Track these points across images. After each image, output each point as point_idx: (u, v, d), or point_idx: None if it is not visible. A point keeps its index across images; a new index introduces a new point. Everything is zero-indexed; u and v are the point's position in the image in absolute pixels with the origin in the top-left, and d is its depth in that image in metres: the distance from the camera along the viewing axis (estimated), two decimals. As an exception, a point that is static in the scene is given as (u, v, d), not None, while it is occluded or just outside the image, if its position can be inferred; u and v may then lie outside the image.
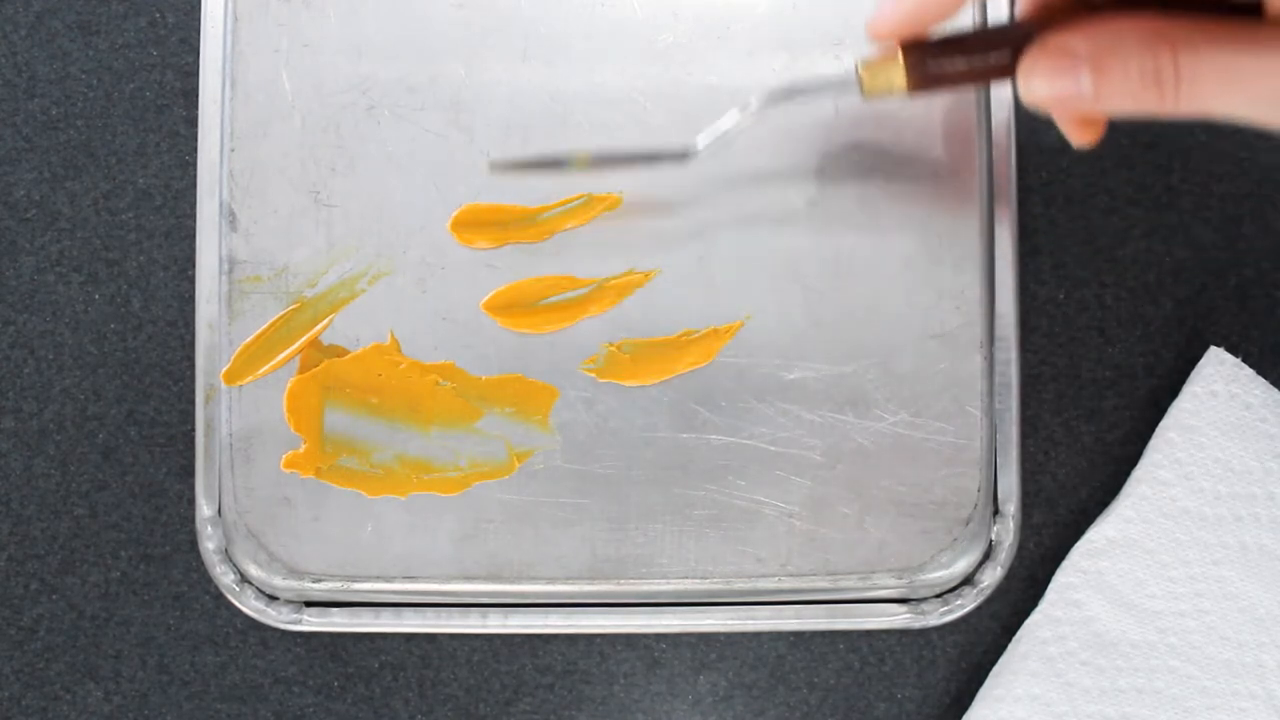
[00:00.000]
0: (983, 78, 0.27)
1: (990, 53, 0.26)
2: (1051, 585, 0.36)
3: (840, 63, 0.34)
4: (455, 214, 0.34)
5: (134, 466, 0.38)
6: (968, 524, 0.34)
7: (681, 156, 0.32)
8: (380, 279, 0.34)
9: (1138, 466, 0.36)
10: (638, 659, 0.38)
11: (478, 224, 0.34)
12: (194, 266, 0.36)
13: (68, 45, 0.38)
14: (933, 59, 0.27)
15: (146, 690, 0.38)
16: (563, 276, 0.34)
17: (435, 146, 0.34)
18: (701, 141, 0.32)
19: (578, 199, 0.34)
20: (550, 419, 0.35)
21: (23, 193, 0.38)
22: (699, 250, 0.34)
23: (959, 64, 0.27)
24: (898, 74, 0.27)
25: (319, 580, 0.35)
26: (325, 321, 0.35)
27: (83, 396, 0.38)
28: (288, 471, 0.35)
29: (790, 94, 0.30)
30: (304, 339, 0.34)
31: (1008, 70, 0.26)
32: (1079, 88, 0.25)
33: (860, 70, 0.28)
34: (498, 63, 0.34)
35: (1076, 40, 0.25)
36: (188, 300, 0.37)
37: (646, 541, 0.35)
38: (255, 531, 0.35)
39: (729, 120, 0.31)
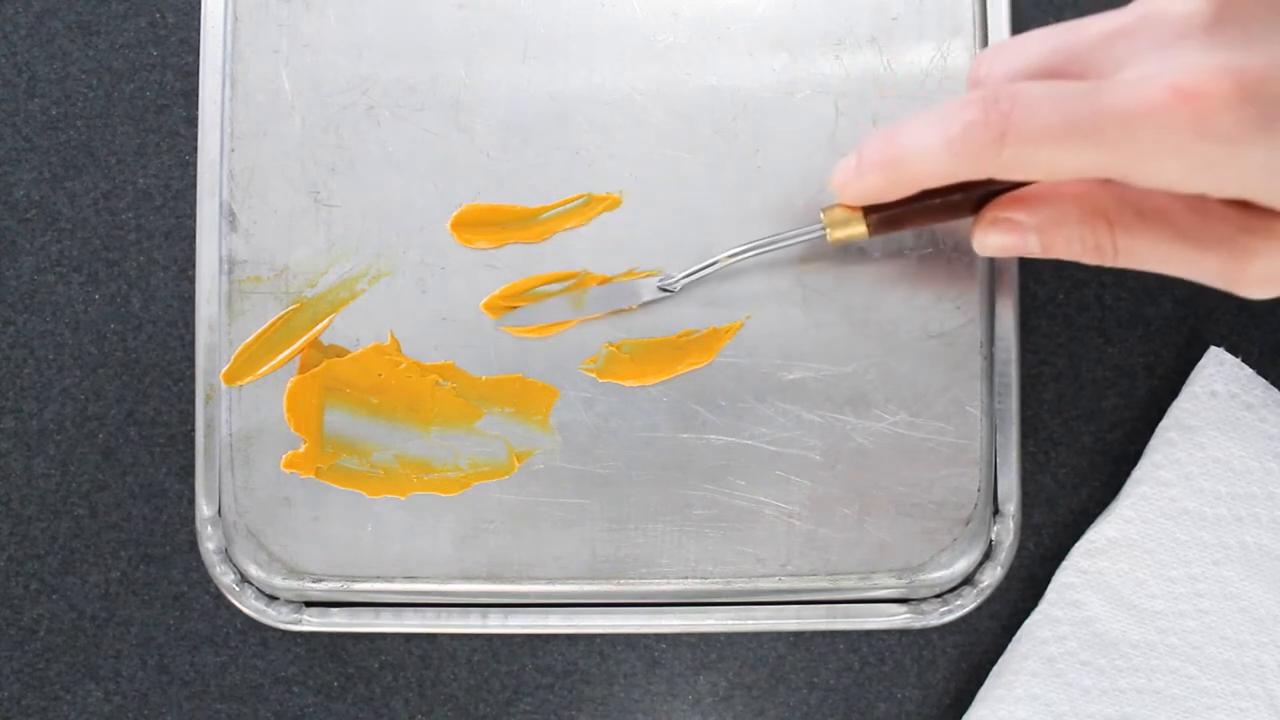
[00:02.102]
0: (940, 220, 0.30)
1: (945, 208, 0.29)
2: (1051, 585, 0.36)
3: (840, 63, 0.34)
4: (455, 214, 0.34)
5: (134, 466, 0.38)
6: (968, 524, 0.34)
7: (665, 293, 0.34)
8: (380, 279, 0.34)
9: (1138, 466, 0.36)
10: (638, 659, 0.38)
11: (478, 224, 0.34)
12: (194, 266, 0.36)
13: (68, 45, 0.38)
14: (891, 212, 0.29)
15: (146, 690, 0.38)
16: (563, 272, 0.34)
17: (435, 146, 0.34)
18: (680, 282, 0.33)
19: (578, 199, 0.34)
20: (550, 419, 0.35)
21: (23, 193, 0.38)
22: (699, 250, 0.34)
23: (916, 215, 0.29)
24: (859, 226, 0.30)
25: (319, 580, 0.35)
26: (325, 321, 0.35)
27: (83, 396, 0.38)
28: (288, 471, 0.35)
29: (768, 245, 0.32)
30: (304, 339, 0.34)
31: (964, 214, 0.29)
32: (1027, 249, 0.28)
33: (824, 222, 0.30)
34: (498, 63, 0.34)
35: (1023, 214, 0.27)
36: (188, 300, 0.37)
37: (646, 541, 0.35)
38: (255, 531, 0.35)
39: (709, 265, 0.33)
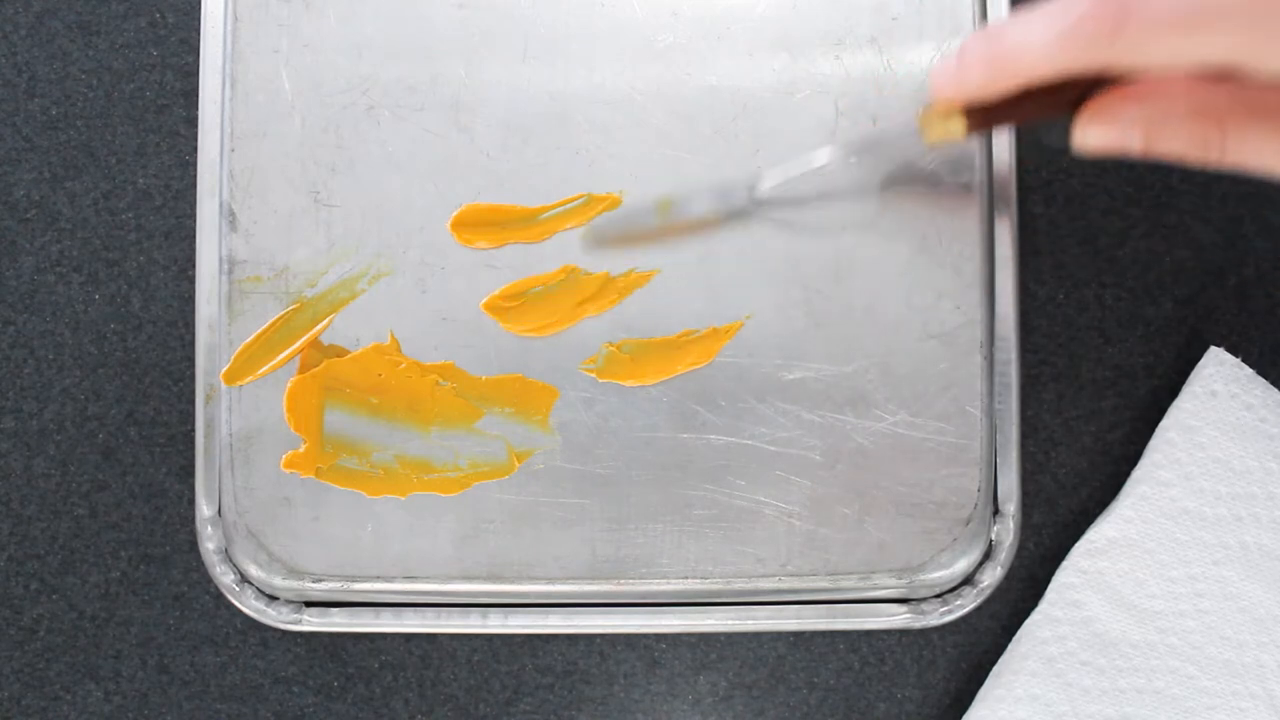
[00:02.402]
0: (1037, 120, 0.28)
1: (1044, 103, 0.27)
2: (1051, 585, 0.36)
3: (840, 63, 0.34)
4: (455, 214, 0.34)
5: (134, 466, 0.38)
6: (968, 524, 0.34)
7: (749, 203, 0.31)
8: (380, 279, 0.34)
9: (1138, 466, 0.36)
10: (638, 659, 0.38)
11: (478, 224, 0.34)
12: (194, 266, 0.36)
13: (68, 45, 0.38)
14: (990, 111, 0.28)
15: (146, 690, 0.38)
16: (565, 268, 0.34)
17: (435, 146, 0.34)
18: (768, 184, 0.31)
19: (578, 199, 0.34)
20: (550, 419, 0.35)
21: (23, 193, 0.38)
22: (699, 250, 0.34)
23: (1014, 114, 0.28)
24: (957, 124, 0.28)
25: (319, 580, 0.35)
26: (325, 321, 0.35)
27: (83, 396, 0.38)
28: (288, 471, 0.35)
29: (867, 148, 0.30)
30: (304, 339, 0.34)
31: (1063, 115, 0.27)
32: (1130, 145, 0.26)
33: (920, 121, 0.29)
34: (498, 63, 0.34)
35: (1129, 108, 0.26)
36: (188, 300, 0.37)
37: (646, 541, 0.35)
38: (255, 531, 0.35)
39: (798, 166, 0.31)
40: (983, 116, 0.28)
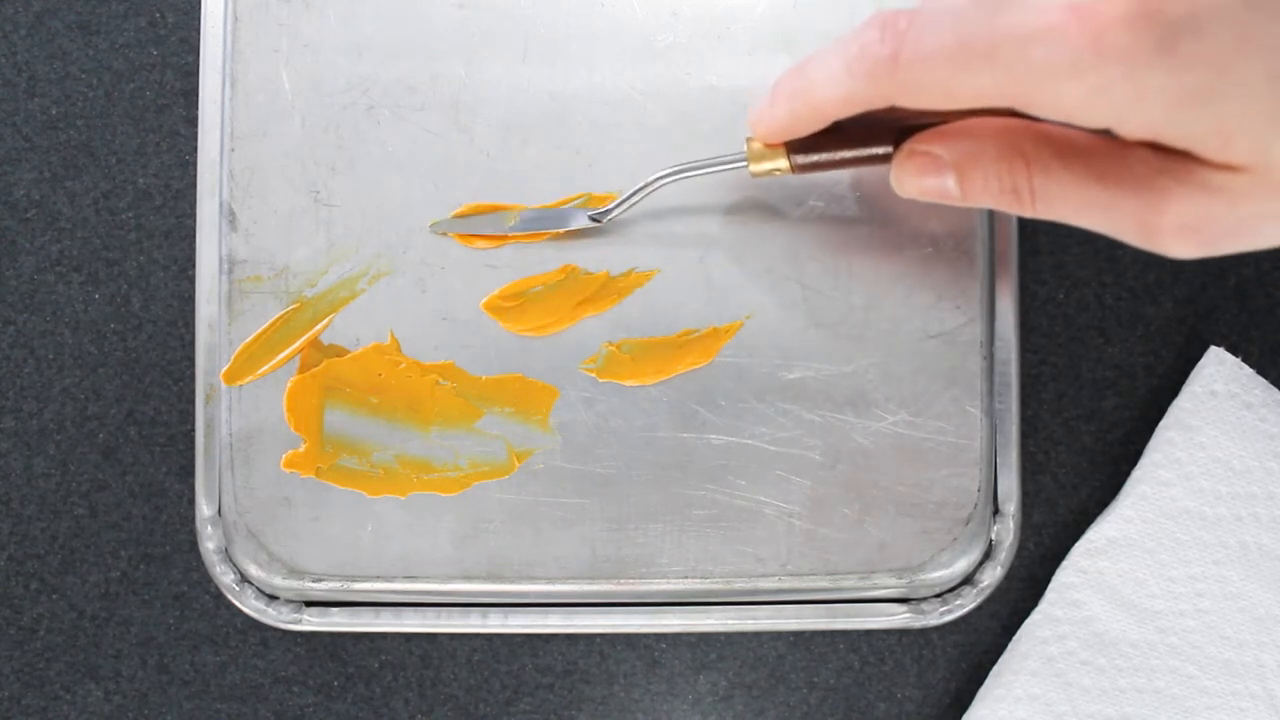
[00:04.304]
0: (861, 164, 0.29)
1: (865, 145, 0.29)
2: (1051, 585, 0.36)
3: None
4: (455, 213, 0.34)
5: (134, 466, 0.38)
6: (968, 524, 0.34)
7: (593, 226, 0.34)
8: (380, 279, 0.34)
9: (1138, 466, 0.36)
10: (638, 659, 0.38)
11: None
12: (194, 266, 0.36)
13: (68, 45, 0.38)
14: (812, 149, 0.29)
15: (146, 690, 0.38)
16: (565, 267, 0.34)
17: (435, 146, 0.34)
18: (610, 215, 0.33)
19: (577, 199, 0.34)
20: (550, 419, 0.35)
21: (23, 193, 0.38)
22: (699, 250, 0.34)
23: (836, 154, 0.29)
24: (780, 160, 0.29)
25: (319, 580, 0.35)
26: (325, 321, 0.35)
27: (83, 396, 0.38)
28: (288, 471, 0.35)
29: (685, 171, 0.32)
30: (304, 339, 0.34)
31: (884, 159, 0.28)
32: (945, 188, 0.27)
33: (746, 153, 0.30)
34: (498, 63, 0.34)
35: (940, 148, 0.27)
36: (188, 300, 0.37)
37: (646, 541, 0.35)
38: (255, 531, 0.35)
39: (634, 194, 0.33)
40: (806, 155, 0.29)
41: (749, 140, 0.30)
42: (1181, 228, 0.24)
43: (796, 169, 0.29)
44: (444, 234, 0.34)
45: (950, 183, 0.27)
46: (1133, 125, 0.23)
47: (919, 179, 0.27)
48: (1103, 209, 0.25)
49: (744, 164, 0.30)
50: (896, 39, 0.24)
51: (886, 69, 0.24)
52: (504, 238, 0.34)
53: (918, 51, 0.24)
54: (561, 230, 0.34)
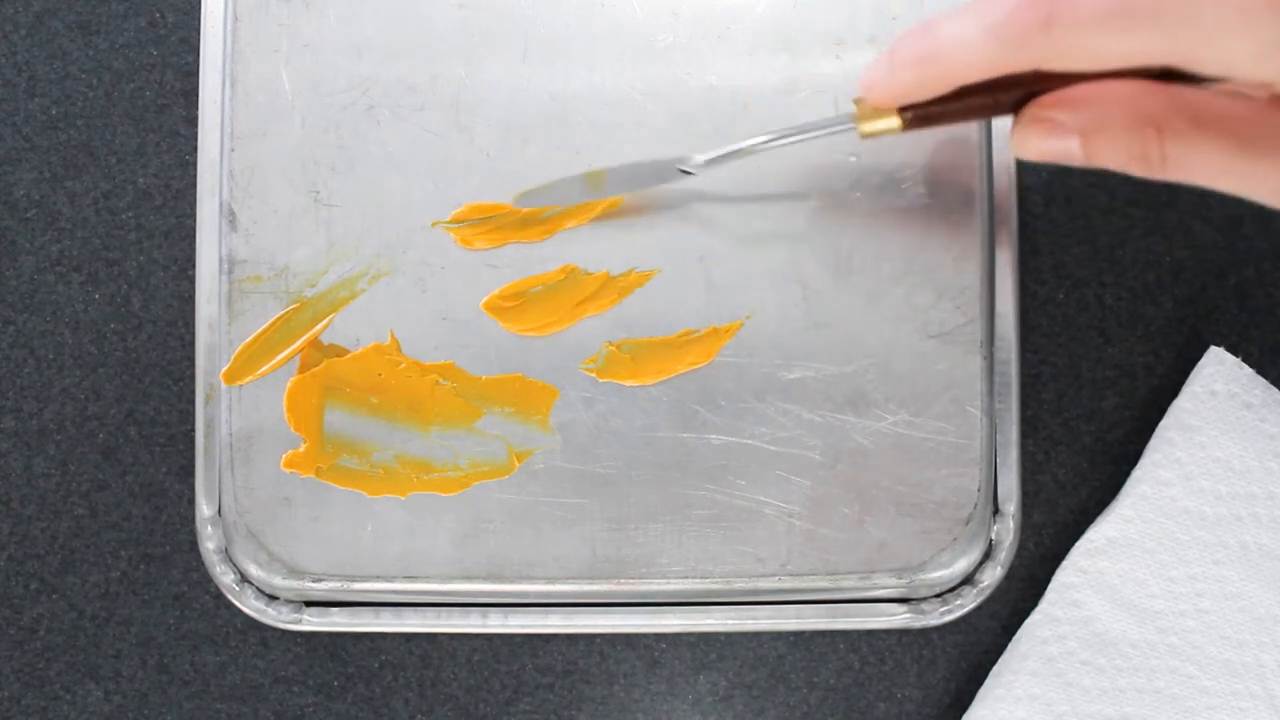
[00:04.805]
0: (977, 119, 0.28)
1: (985, 102, 0.27)
2: (1051, 585, 0.36)
3: (840, 63, 0.34)
4: (455, 214, 0.34)
5: (134, 466, 0.38)
6: (968, 524, 0.34)
7: (685, 173, 0.32)
8: (380, 279, 0.34)
9: (1138, 466, 0.36)
10: (638, 659, 0.38)
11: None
12: (194, 266, 0.36)
13: (68, 45, 0.38)
14: (928, 110, 0.27)
15: (146, 690, 0.38)
16: (565, 267, 0.34)
17: (435, 146, 0.34)
18: (702, 166, 0.32)
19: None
20: (550, 419, 0.35)
21: (23, 193, 0.38)
22: (699, 250, 0.34)
23: (954, 114, 0.27)
24: (891, 119, 0.28)
25: (319, 580, 0.35)
26: (325, 321, 0.35)
27: (83, 396, 0.38)
28: (288, 471, 0.35)
29: (795, 136, 0.30)
30: (304, 339, 0.34)
31: (1004, 112, 0.27)
32: (1069, 152, 0.25)
33: (855, 115, 0.28)
34: (498, 63, 0.34)
35: (1066, 114, 0.25)
36: (188, 300, 0.37)
37: (646, 541, 0.35)
38: (255, 531, 0.35)
39: (737, 144, 0.31)
40: (921, 113, 0.27)
41: (857, 101, 0.28)
42: None
43: (908, 128, 0.28)
44: (456, 230, 0.34)
45: (1075, 147, 0.25)
46: None
47: (1042, 144, 0.26)
48: (1243, 177, 0.24)
49: (850, 127, 0.28)
50: (1049, 2, 0.22)
51: (1038, 35, 0.23)
52: (513, 233, 0.34)
53: (1076, 15, 0.22)
54: (653, 185, 0.33)
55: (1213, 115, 0.24)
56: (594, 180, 0.33)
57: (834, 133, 0.29)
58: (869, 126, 0.28)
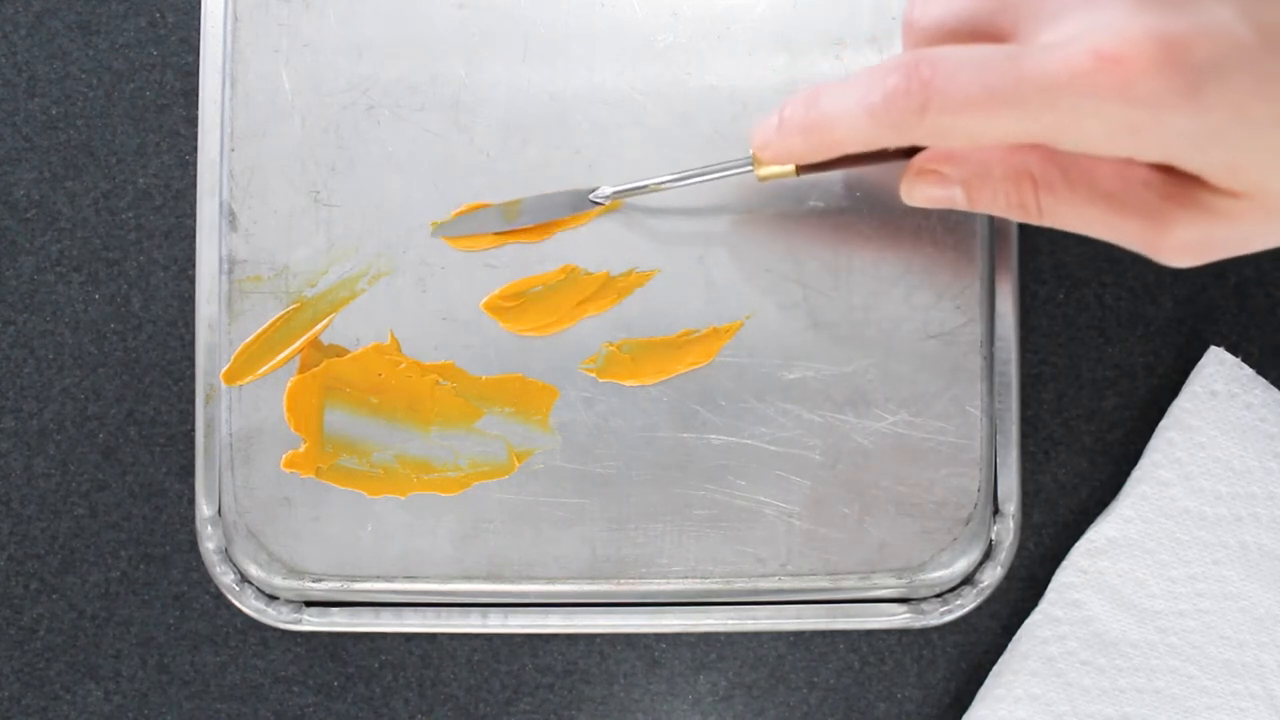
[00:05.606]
0: (868, 164, 0.30)
1: (873, 157, 0.29)
2: (1051, 585, 0.36)
3: (840, 63, 0.34)
4: (455, 214, 0.34)
5: (134, 466, 0.38)
6: (968, 524, 0.34)
7: (594, 204, 0.34)
8: (380, 279, 0.34)
9: (1138, 466, 0.36)
10: (638, 659, 0.38)
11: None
12: (194, 266, 0.36)
13: (68, 45, 0.38)
14: (817, 163, 0.29)
15: (146, 690, 0.38)
16: (565, 267, 0.34)
17: (435, 146, 0.34)
18: (610, 197, 0.34)
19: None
20: (550, 419, 0.35)
21: (23, 193, 0.38)
22: (699, 250, 0.34)
23: (843, 163, 0.29)
24: (788, 166, 0.30)
25: (319, 580, 0.35)
26: (325, 321, 0.35)
27: (83, 396, 0.38)
28: (288, 471, 0.35)
29: (698, 176, 0.32)
30: (304, 339, 0.34)
31: (892, 160, 0.29)
32: (954, 200, 0.28)
33: (753, 159, 0.30)
34: (498, 63, 0.34)
35: (950, 167, 0.28)
36: (188, 300, 0.37)
37: (646, 541, 0.35)
38: (255, 531, 0.35)
39: (643, 181, 0.33)
40: (811, 166, 0.30)
41: (754, 154, 0.30)
42: (1186, 247, 0.25)
43: (801, 172, 0.30)
44: (443, 238, 0.34)
45: (959, 197, 0.28)
46: (1151, 156, 0.24)
47: (927, 193, 0.28)
48: (1108, 227, 0.26)
49: (749, 169, 0.31)
50: (923, 89, 0.24)
51: (914, 119, 0.24)
52: (506, 235, 0.34)
53: (946, 103, 0.24)
54: (566, 218, 0.34)
55: (1080, 171, 0.26)
56: (509, 210, 0.34)
57: (736, 174, 0.31)
58: (765, 171, 0.30)
